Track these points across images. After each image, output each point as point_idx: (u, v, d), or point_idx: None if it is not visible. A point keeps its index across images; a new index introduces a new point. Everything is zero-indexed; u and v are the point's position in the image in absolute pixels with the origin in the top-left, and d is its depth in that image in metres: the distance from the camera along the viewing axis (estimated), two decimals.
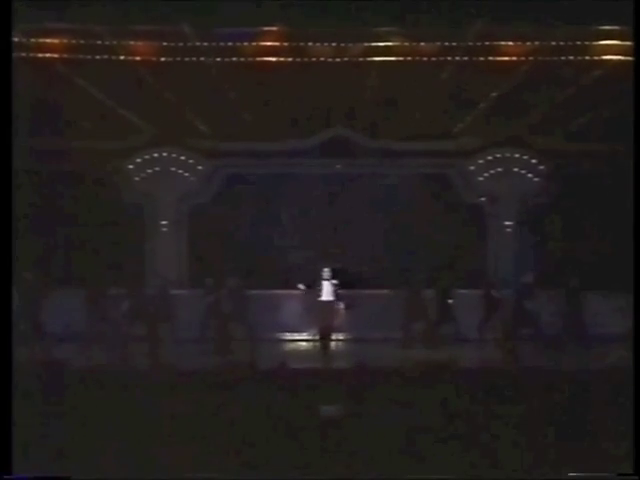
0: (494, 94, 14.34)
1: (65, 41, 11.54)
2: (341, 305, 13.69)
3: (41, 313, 13.94)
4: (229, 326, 13.88)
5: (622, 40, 11.41)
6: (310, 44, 11.82)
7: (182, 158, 17.87)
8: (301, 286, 15.14)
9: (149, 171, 17.78)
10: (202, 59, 12.16)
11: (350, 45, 11.90)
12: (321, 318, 13.64)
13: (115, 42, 11.62)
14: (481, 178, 17.98)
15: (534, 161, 17.77)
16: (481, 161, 17.97)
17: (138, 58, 12.05)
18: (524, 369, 11.26)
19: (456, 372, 10.68)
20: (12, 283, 7.28)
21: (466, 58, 12.20)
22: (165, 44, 11.69)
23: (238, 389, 9.36)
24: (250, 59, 12.10)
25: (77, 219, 16.94)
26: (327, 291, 13.58)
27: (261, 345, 13.59)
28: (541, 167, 17.72)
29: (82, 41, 11.52)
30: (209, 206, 17.93)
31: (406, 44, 11.84)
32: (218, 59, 12.19)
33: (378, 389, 9.49)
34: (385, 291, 15.62)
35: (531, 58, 12.23)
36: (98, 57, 11.87)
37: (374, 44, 11.84)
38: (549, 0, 10.47)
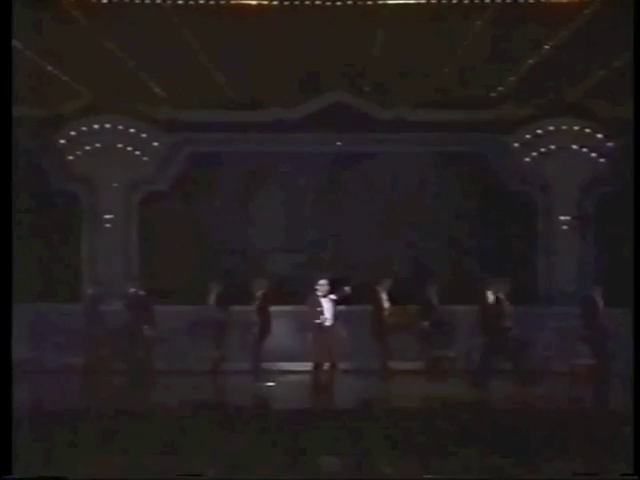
0: (546, 47, 14.25)
1: None
2: (340, 328, 13.56)
3: None
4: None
5: None
6: None
7: (131, 131, 17.94)
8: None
9: (87, 148, 17.83)
10: (158, 1, 12.07)
11: None
12: (316, 346, 13.50)
13: None
14: (528, 159, 18.09)
15: (599, 136, 17.86)
16: (528, 136, 18.06)
17: None
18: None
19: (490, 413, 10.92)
20: (12, 286, 8.14)
21: None
22: None
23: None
24: (222, 2, 12.05)
25: None
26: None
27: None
28: (609, 144, 17.78)
29: None
30: (167, 195, 17.98)
31: None
32: (180, 1, 12.10)
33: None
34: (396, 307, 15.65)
35: None
36: None
37: None
38: None
